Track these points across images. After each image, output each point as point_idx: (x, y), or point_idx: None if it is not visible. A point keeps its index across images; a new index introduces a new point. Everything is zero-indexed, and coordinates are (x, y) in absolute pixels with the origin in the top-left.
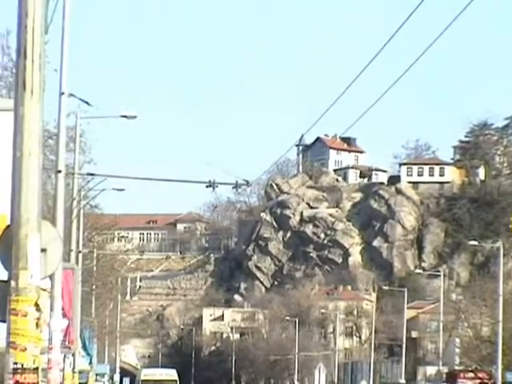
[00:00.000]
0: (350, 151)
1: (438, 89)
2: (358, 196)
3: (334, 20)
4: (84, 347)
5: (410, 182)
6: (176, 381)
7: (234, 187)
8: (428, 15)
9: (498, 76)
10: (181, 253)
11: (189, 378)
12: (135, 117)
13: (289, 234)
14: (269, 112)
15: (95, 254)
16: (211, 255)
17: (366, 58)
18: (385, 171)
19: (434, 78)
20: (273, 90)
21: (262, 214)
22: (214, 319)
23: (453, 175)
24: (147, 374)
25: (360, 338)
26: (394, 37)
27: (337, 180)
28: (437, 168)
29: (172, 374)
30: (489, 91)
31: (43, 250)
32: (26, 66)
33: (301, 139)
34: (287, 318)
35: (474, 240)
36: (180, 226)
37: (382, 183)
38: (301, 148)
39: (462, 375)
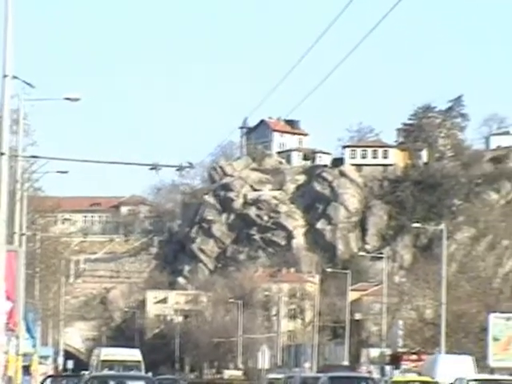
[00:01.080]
0: (293, 134)
1: (381, 72)
2: (301, 178)
3: (277, 2)
4: (28, 330)
5: (353, 165)
6: (140, 361)
7: (177, 169)
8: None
9: (441, 58)
10: (124, 235)
11: None
12: (78, 99)
13: (232, 217)
14: (213, 94)
15: (39, 237)
16: (155, 238)
17: (309, 40)
18: (328, 154)
19: (377, 61)
20: (217, 71)
21: (205, 197)
22: (158, 302)
23: (396, 158)
24: (108, 353)
25: (303, 320)
26: (336, 21)
27: (280, 162)
28: (380, 150)
29: (136, 354)
30: (432, 74)
31: None
32: None
33: (244, 122)
34: (231, 300)
35: (417, 222)
36: (124, 209)
37: (326, 166)
38: (244, 130)
39: (405, 357)
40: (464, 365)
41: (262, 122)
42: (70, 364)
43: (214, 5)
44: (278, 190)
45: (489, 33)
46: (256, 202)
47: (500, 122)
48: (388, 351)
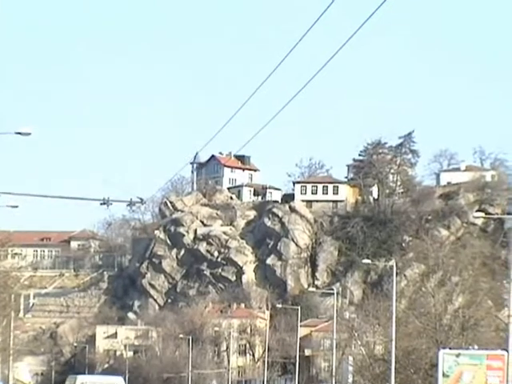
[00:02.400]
0: (244, 169)
1: (332, 107)
2: (252, 214)
3: (231, 33)
4: None
5: (303, 201)
6: None
7: (128, 205)
8: (326, 33)
9: (391, 94)
10: (74, 270)
11: None
12: (29, 134)
13: (183, 252)
14: (164, 130)
15: None
16: (105, 273)
17: (261, 75)
18: (279, 189)
19: (328, 96)
20: (168, 107)
21: (156, 232)
22: (108, 337)
23: (347, 194)
24: (85, 381)
25: (254, 355)
26: (288, 56)
27: (231, 198)
28: (330, 186)
29: (119, 382)
30: (382, 110)
31: None
32: None
33: (195, 157)
34: (181, 335)
35: (368, 258)
36: (74, 244)
37: (276, 201)
38: (195, 166)
39: None
40: None
41: (212, 157)
42: None
43: (165, 38)
44: (229, 225)
45: (438, 67)
46: (206, 238)
47: (450, 159)
48: None
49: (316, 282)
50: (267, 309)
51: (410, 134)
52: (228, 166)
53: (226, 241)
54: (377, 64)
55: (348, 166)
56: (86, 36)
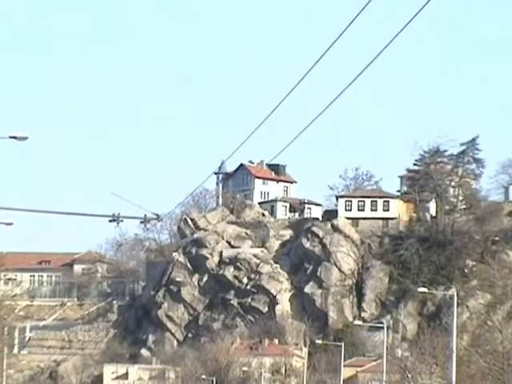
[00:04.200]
0: (278, 181)
1: (381, 109)
2: (287, 234)
3: (256, 38)
4: None
5: (348, 218)
6: None
7: (141, 222)
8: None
9: (452, 96)
10: (78, 299)
11: None
12: (26, 138)
13: (205, 278)
14: (184, 135)
15: None
16: (114, 302)
17: (298, 75)
18: (319, 205)
19: (376, 97)
20: (189, 109)
21: (174, 254)
22: (117, 377)
23: (399, 210)
24: None
25: None
26: (322, 58)
27: (263, 214)
28: (380, 201)
29: None
30: (442, 112)
31: None
32: None
33: (221, 166)
34: (203, 376)
35: (424, 287)
36: (77, 268)
37: (316, 219)
38: (221, 177)
39: None
40: None
41: (241, 166)
42: None
43: (190, 39)
44: (260, 247)
45: (504, 63)
46: (234, 261)
47: None
48: None
49: (363, 314)
50: (305, 345)
51: (473, 140)
52: (259, 177)
53: (257, 265)
54: (437, 62)
55: (401, 177)
56: (99, 45)
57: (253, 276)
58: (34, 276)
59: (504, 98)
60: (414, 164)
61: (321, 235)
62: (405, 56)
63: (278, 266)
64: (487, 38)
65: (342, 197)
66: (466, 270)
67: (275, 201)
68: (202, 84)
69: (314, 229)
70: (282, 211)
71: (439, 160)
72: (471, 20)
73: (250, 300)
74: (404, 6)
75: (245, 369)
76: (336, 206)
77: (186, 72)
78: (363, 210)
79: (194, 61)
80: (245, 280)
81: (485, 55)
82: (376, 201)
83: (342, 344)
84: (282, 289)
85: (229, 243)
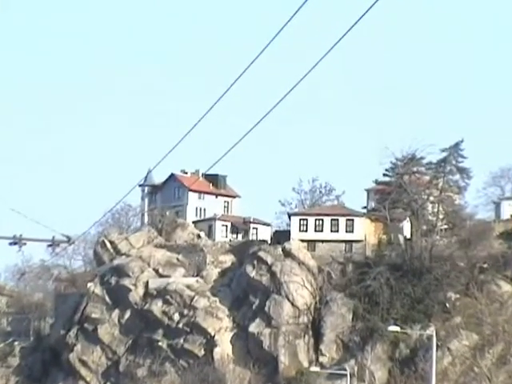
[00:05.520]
0: (217, 195)
1: (346, 109)
2: (228, 260)
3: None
4: None
5: (303, 241)
6: None
7: (49, 245)
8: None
9: (431, 94)
10: None
11: None
12: None
13: (128, 315)
14: (103, 140)
15: None
16: (16, 343)
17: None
18: (268, 224)
19: (340, 94)
20: (109, 108)
21: (89, 285)
22: None
23: (365, 231)
24: None
25: None
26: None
27: (198, 236)
28: (342, 220)
29: None
30: (419, 113)
31: None
32: None
33: (147, 177)
34: None
35: (396, 325)
36: None
37: (264, 241)
38: (147, 189)
39: None
40: None
41: (171, 177)
42: None
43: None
44: (195, 276)
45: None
46: (162, 294)
47: None
48: None
49: (321, 359)
50: None
51: (457, 145)
52: (194, 190)
53: (191, 298)
54: (412, 54)
55: (368, 190)
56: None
57: (186, 312)
58: None
59: (494, 96)
60: (384, 174)
61: (269, 262)
62: (375, 48)
63: (216, 299)
64: (468, 35)
65: (295, 214)
66: (447, 305)
67: (213, 219)
68: (126, 80)
69: (261, 254)
70: (221, 232)
71: (415, 169)
72: (453, 17)
73: (182, 341)
74: None
75: None
76: (288, 225)
77: (106, 70)
78: (321, 231)
79: (117, 57)
80: (176, 317)
81: (468, 48)
82: (337, 219)
83: None
84: (221, 328)
85: (156, 271)
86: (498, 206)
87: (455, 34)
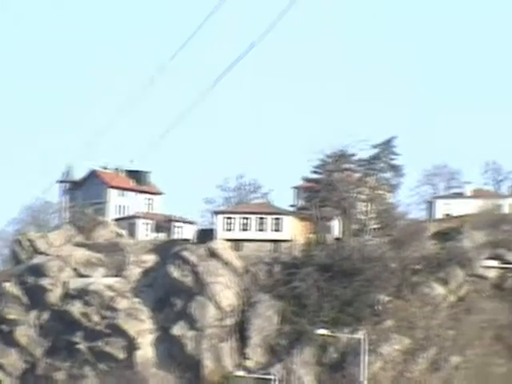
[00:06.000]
0: (139, 192)
1: (273, 102)
2: (150, 259)
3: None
4: None
5: (229, 240)
6: None
7: None
8: None
9: (362, 87)
10: None
11: None
12: None
13: (46, 316)
14: (21, 133)
15: None
16: None
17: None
18: (192, 223)
19: (266, 87)
20: (27, 100)
21: (5, 285)
22: None
23: (293, 230)
24: None
25: None
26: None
27: (119, 235)
28: (269, 219)
29: None
30: (350, 107)
31: None
32: None
33: (67, 173)
34: None
35: (324, 328)
36: None
37: (188, 240)
38: (66, 186)
39: None
40: None
41: (92, 173)
42: None
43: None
44: (116, 276)
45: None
46: (82, 294)
47: (450, 179)
48: None
49: (246, 363)
50: None
51: (389, 141)
52: (115, 187)
53: (112, 299)
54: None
55: (296, 188)
56: None
57: (106, 313)
58: None
59: (427, 92)
60: (313, 172)
61: (193, 262)
62: (302, 41)
63: (138, 300)
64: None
65: (220, 213)
66: (378, 308)
67: (135, 217)
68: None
69: (185, 253)
70: (143, 230)
71: (345, 166)
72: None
73: (102, 344)
74: None
75: None
76: (213, 224)
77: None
78: (247, 230)
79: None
80: (96, 318)
81: (401, 42)
82: (264, 218)
83: None
84: (143, 330)
85: (76, 271)
86: (431, 205)
87: (384, 27)
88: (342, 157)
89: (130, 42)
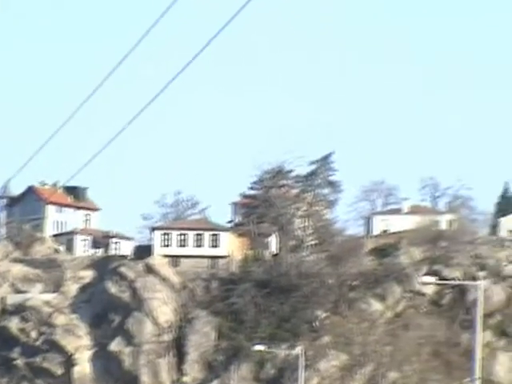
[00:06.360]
0: (77, 208)
1: (211, 117)
2: (88, 275)
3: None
4: None
5: (166, 256)
6: None
7: None
8: None
9: (298, 102)
10: None
11: None
12: None
13: None
14: None
15: None
16: None
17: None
18: (130, 239)
19: (206, 100)
20: None
21: None
22: None
23: (231, 246)
24: None
25: None
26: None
27: (57, 251)
28: (207, 235)
29: None
30: (287, 123)
31: None
32: None
33: (4, 188)
34: None
35: (262, 344)
36: None
37: (125, 257)
38: (4, 201)
39: None
40: None
41: (30, 189)
42: None
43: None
44: (54, 292)
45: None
46: (19, 310)
47: (387, 195)
48: None
49: (184, 379)
50: None
51: (327, 157)
52: (53, 203)
53: (50, 315)
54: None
55: (233, 204)
56: None
57: (44, 329)
58: None
59: (364, 107)
60: (251, 188)
61: (131, 278)
62: (235, 57)
63: (75, 316)
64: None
65: (158, 229)
66: (315, 323)
67: (73, 233)
68: None
69: (123, 269)
70: (81, 246)
71: (283, 183)
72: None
73: (40, 360)
74: None
75: None
76: (150, 240)
77: None
78: (185, 246)
79: None
80: (33, 334)
81: (335, 57)
82: (202, 234)
83: None
84: (80, 346)
85: (13, 287)
86: (368, 221)
87: (317, 39)
88: (279, 173)
89: (66, 53)
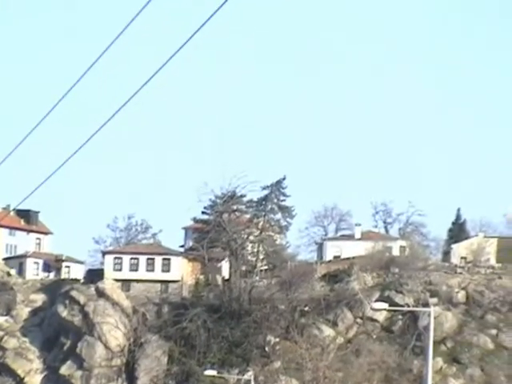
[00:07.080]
0: (28, 231)
1: (161, 142)
2: (39, 299)
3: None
4: None
5: (117, 280)
6: None
7: None
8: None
9: (251, 128)
10: None
11: None
12: None
13: None
14: None
15: None
16: None
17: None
18: (81, 262)
19: (156, 124)
20: None
21: None
22: None
23: (182, 271)
24: None
25: None
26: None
27: (8, 274)
28: (158, 259)
29: None
30: (240, 149)
31: None
32: None
33: None
34: None
35: (213, 369)
36: None
37: (77, 280)
38: None
39: None
40: None
41: None
42: None
43: None
44: (4, 315)
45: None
46: None
47: (339, 221)
48: None
49: None
50: None
51: (279, 182)
52: (5, 226)
53: (1, 339)
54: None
55: (185, 229)
56: None
57: None
58: None
59: (316, 132)
60: (203, 212)
61: (82, 301)
62: (190, 81)
63: (26, 340)
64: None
65: (109, 253)
66: (266, 349)
67: (25, 256)
68: None
69: (74, 293)
70: (33, 270)
71: (235, 207)
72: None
73: None
74: None
75: None
76: (102, 264)
77: None
78: (136, 270)
79: None
80: None
81: (286, 84)
82: (153, 258)
83: None
84: (31, 369)
85: None
86: (320, 246)
87: (273, 61)
88: (231, 198)
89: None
